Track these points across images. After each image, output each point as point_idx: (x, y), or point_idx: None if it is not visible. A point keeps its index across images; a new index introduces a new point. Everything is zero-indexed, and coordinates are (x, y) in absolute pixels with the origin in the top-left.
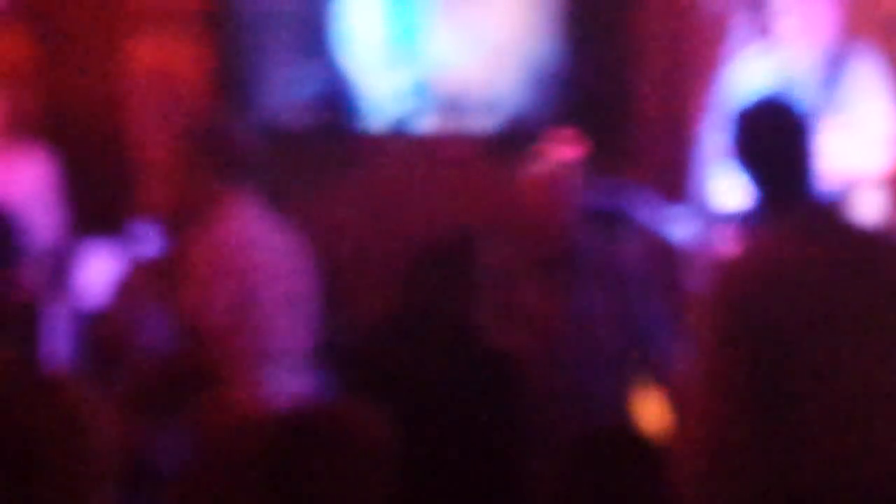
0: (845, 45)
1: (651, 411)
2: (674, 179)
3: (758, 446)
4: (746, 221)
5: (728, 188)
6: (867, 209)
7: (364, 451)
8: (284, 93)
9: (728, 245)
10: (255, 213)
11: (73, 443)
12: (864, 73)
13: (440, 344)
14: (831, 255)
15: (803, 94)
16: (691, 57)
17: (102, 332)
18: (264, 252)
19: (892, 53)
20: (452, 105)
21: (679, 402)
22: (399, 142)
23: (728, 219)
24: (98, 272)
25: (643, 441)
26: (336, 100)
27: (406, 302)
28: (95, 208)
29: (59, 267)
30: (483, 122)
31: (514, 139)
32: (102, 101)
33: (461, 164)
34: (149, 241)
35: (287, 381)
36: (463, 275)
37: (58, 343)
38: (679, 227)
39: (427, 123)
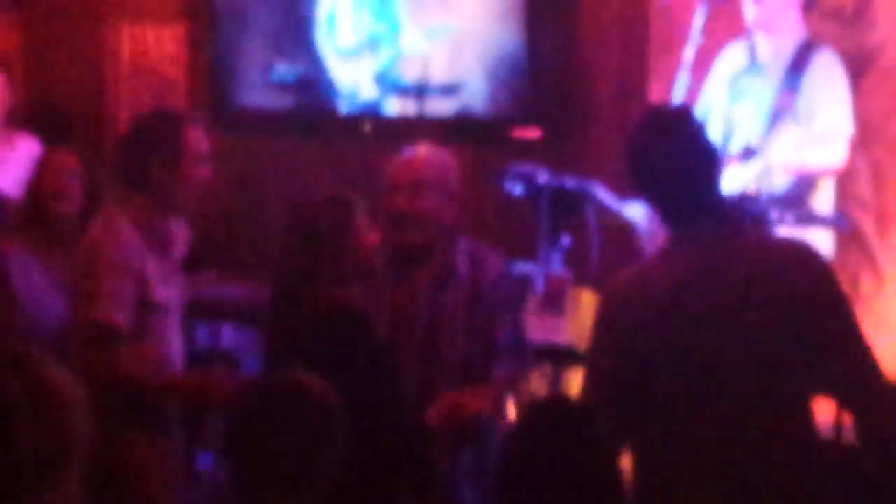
0: (807, 36)
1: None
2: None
3: (629, 437)
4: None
5: None
6: (821, 203)
7: (322, 415)
8: (261, 77)
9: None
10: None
11: (50, 418)
12: (824, 67)
13: (308, 308)
14: (715, 269)
15: (766, 84)
16: (649, 45)
17: None
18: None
19: (849, 44)
20: (416, 90)
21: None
22: (367, 124)
23: None
24: None
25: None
26: (310, 84)
27: (279, 267)
28: None
29: None
30: (443, 107)
31: (473, 123)
32: (85, 90)
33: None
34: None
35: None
36: (332, 242)
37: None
38: (637, 211)
39: (392, 107)
